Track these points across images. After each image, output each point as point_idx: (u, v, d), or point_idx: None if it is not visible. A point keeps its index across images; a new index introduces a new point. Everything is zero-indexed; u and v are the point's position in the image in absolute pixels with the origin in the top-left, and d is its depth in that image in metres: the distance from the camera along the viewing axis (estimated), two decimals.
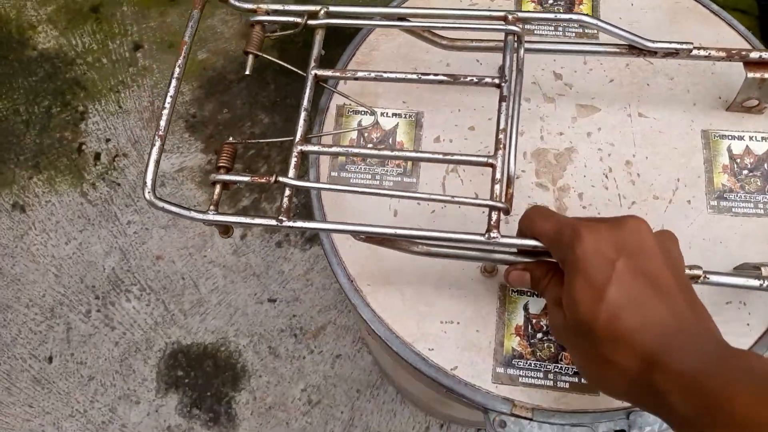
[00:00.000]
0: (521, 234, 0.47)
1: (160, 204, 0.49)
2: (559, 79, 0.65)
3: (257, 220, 0.50)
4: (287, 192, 0.50)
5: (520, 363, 0.55)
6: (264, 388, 1.23)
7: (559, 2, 0.69)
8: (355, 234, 0.50)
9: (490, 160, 0.48)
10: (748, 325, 0.56)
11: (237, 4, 0.59)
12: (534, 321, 0.57)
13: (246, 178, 0.51)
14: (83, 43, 1.56)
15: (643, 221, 0.40)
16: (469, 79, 0.52)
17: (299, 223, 0.49)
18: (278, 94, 1.48)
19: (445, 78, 0.53)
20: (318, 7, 0.56)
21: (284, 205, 0.50)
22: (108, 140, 1.45)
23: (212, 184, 0.51)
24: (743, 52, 0.57)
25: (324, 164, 0.63)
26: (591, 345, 0.37)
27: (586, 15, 0.57)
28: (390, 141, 0.64)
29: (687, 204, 0.60)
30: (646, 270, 0.37)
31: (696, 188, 0.60)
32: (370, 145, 0.64)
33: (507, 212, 0.47)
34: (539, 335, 0.56)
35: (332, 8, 0.57)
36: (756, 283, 0.50)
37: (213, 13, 1.58)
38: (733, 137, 0.62)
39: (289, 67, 0.59)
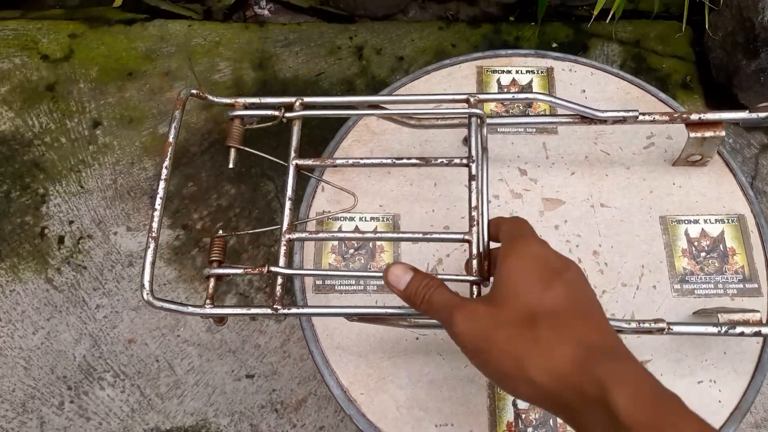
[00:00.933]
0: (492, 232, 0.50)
1: (159, 304, 0.50)
2: (524, 174, 0.69)
3: (253, 310, 0.52)
4: (280, 280, 0.52)
5: None
6: None
7: (518, 104, 0.73)
8: (349, 316, 0.52)
9: (466, 237, 0.51)
10: (719, 402, 0.60)
11: (215, 99, 0.61)
12: (523, 416, 0.59)
13: (239, 271, 0.53)
14: (40, 123, 1.54)
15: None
16: (439, 161, 0.55)
17: (294, 310, 0.52)
18: (243, 164, 1.49)
19: (417, 161, 0.56)
20: (293, 99, 0.59)
21: (278, 294, 0.52)
22: (71, 222, 1.43)
23: (206, 278, 0.53)
24: (684, 115, 0.62)
25: (308, 281, 0.65)
26: (522, 331, 0.36)
27: (540, 93, 0.61)
28: (370, 245, 0.66)
29: (653, 289, 0.64)
30: (588, 295, 0.40)
31: (660, 273, 0.64)
32: (351, 250, 0.66)
33: (485, 285, 0.50)
34: (530, 430, 0.59)
35: (307, 99, 0.59)
36: (714, 330, 0.53)
37: (172, 86, 1.59)
38: (689, 221, 0.66)
39: (271, 158, 0.62)
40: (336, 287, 0.64)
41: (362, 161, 0.58)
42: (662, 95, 0.73)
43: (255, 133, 0.64)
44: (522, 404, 0.59)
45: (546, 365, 0.35)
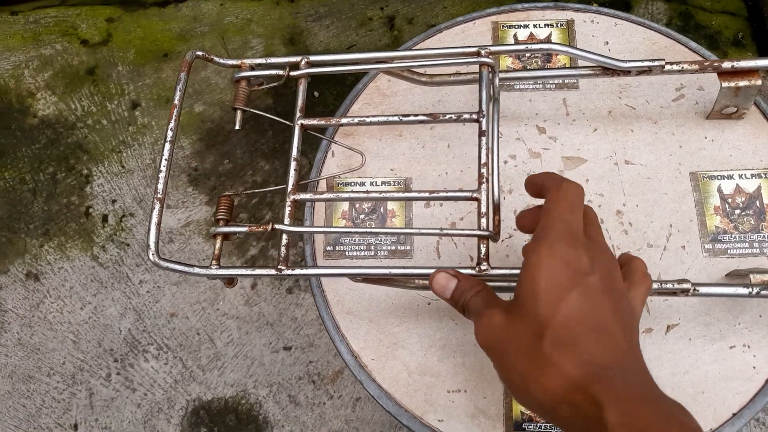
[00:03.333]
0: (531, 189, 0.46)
1: (165, 264, 0.50)
2: (543, 133, 0.65)
3: (257, 271, 0.52)
4: (284, 240, 0.51)
5: (530, 427, 0.56)
6: None
7: (537, 54, 0.69)
8: (353, 276, 0.51)
9: (475, 194, 0.49)
10: (754, 368, 0.56)
11: (221, 61, 0.60)
12: None
13: (244, 229, 0.52)
14: (82, 107, 1.59)
15: (613, 257, 0.42)
16: (448, 117, 0.53)
17: (298, 271, 0.51)
18: (276, 141, 1.49)
19: (425, 118, 0.54)
20: (299, 58, 0.58)
21: (282, 254, 0.51)
22: (114, 201, 1.48)
23: (213, 237, 0.53)
24: (715, 63, 0.57)
25: (319, 242, 0.64)
26: (532, 342, 0.36)
27: (557, 43, 0.58)
28: (381, 210, 0.65)
29: (682, 249, 0.60)
30: (613, 298, 0.38)
31: (689, 233, 0.60)
32: (362, 215, 0.65)
33: (495, 239, 0.48)
34: None
35: (313, 57, 0.58)
36: (745, 291, 0.50)
37: (206, 66, 1.60)
38: (723, 177, 0.62)
39: (276, 118, 0.61)
40: (347, 253, 0.63)
41: (368, 119, 0.56)
42: (693, 44, 0.68)
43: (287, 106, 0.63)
44: None
45: (546, 384, 0.35)
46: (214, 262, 0.52)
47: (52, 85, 1.63)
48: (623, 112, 0.65)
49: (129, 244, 1.43)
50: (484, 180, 0.49)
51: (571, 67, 0.65)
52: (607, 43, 0.69)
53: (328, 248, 0.64)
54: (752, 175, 0.62)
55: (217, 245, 0.53)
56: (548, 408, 0.35)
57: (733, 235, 0.60)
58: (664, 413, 0.32)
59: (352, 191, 0.66)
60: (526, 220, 0.44)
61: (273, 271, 0.51)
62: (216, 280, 1.33)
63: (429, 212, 0.64)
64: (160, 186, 0.53)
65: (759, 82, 0.58)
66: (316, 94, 1.53)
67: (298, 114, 0.57)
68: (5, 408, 1.31)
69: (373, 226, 0.64)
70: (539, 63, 0.69)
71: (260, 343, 1.32)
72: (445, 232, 0.50)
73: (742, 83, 0.58)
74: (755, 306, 0.57)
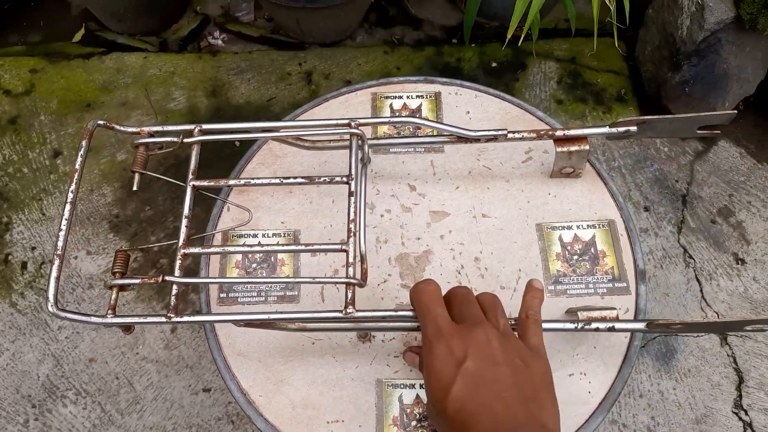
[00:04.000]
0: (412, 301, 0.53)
1: (63, 314, 0.55)
2: (414, 190, 0.75)
3: (149, 319, 0.58)
4: (174, 290, 0.58)
5: None
6: None
7: (408, 126, 0.80)
8: (236, 322, 0.59)
9: (344, 247, 0.57)
10: (589, 392, 0.66)
11: (122, 129, 0.67)
12: (408, 411, 0.65)
13: (137, 281, 0.59)
14: (3, 155, 1.61)
15: (491, 329, 0.47)
16: (322, 179, 0.62)
17: (186, 318, 0.58)
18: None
19: (303, 180, 0.62)
20: (193, 126, 0.65)
21: (172, 303, 0.58)
22: (33, 248, 1.49)
23: (109, 288, 0.59)
24: (550, 132, 0.68)
25: (213, 290, 0.71)
26: (447, 429, 0.43)
27: (417, 117, 0.68)
28: (272, 259, 0.73)
29: None
30: (493, 377, 0.43)
31: (535, 276, 0.71)
32: (254, 264, 0.73)
33: (361, 286, 0.56)
34: (414, 423, 0.65)
35: (205, 126, 0.66)
36: (572, 326, 0.60)
37: (129, 116, 1.65)
38: (563, 227, 0.73)
39: (170, 180, 0.68)
40: (239, 299, 0.70)
41: (253, 181, 0.64)
42: (539, 113, 0.80)
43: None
44: (407, 400, 0.65)
45: None
46: (110, 311, 0.59)
47: None
48: (481, 172, 0.76)
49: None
50: (352, 234, 0.58)
51: (435, 135, 0.75)
52: (468, 112, 0.80)
53: (222, 295, 0.71)
54: (588, 226, 0.73)
55: (113, 296, 0.59)
56: None
57: (571, 278, 0.71)
58: None
59: (245, 243, 0.73)
60: (410, 357, 0.56)
61: (163, 319, 0.58)
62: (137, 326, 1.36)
63: (315, 260, 0.73)
64: (60, 243, 0.59)
65: (587, 147, 0.70)
66: (237, 144, 1.60)
67: (190, 176, 0.65)
68: None
69: (264, 274, 0.72)
70: (411, 130, 0.79)
71: (180, 385, 1.35)
72: (317, 280, 0.58)
73: (573, 148, 0.70)
74: (590, 339, 0.68)
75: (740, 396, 1.30)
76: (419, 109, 0.80)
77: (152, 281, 0.59)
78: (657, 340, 1.36)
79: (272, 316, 0.57)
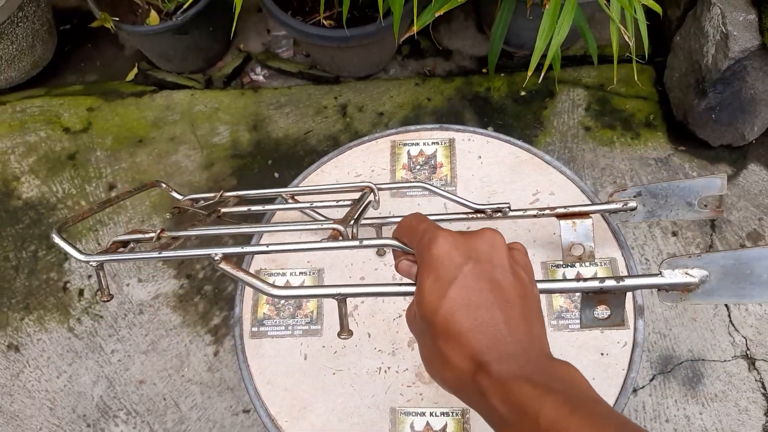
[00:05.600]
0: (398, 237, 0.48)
1: (57, 240, 0.61)
2: None
3: (141, 251, 0.65)
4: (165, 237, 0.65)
5: None
6: None
7: (425, 167, 0.86)
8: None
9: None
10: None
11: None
12: None
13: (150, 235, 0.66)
14: (63, 189, 1.75)
15: (498, 234, 0.42)
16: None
17: (174, 232, 0.65)
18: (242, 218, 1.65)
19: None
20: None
21: (103, 286, 0.65)
22: (90, 276, 1.61)
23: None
24: (552, 208, 0.73)
25: (246, 322, 0.79)
26: (431, 339, 0.40)
27: (428, 183, 0.74)
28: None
29: None
30: (491, 277, 0.39)
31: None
32: (282, 301, 0.80)
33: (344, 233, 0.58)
34: None
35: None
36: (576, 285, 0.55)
37: (177, 150, 1.77)
38: (567, 265, 0.78)
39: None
40: (268, 333, 0.78)
41: (270, 247, 0.72)
42: (547, 157, 0.85)
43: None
44: (418, 427, 0.71)
45: (444, 375, 0.40)
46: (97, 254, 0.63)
47: (36, 169, 1.79)
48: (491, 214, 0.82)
49: (102, 316, 1.56)
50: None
51: (447, 214, 0.81)
52: (480, 157, 0.86)
53: (254, 329, 0.78)
54: (591, 264, 0.78)
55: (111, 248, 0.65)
56: (455, 395, 0.40)
57: (573, 313, 0.75)
58: (540, 389, 0.34)
59: (275, 281, 0.81)
60: (405, 266, 0.47)
61: (151, 234, 0.64)
62: (183, 349, 1.46)
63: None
64: None
65: (589, 220, 0.73)
66: (276, 175, 1.70)
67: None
68: None
69: (291, 309, 0.79)
70: (426, 174, 0.85)
71: (221, 406, 1.44)
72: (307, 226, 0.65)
73: (578, 221, 0.74)
74: (590, 369, 0.72)
75: None
76: (434, 155, 0.86)
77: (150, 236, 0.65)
78: (684, 365, 1.37)
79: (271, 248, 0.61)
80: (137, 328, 1.54)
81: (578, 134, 1.67)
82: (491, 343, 0.38)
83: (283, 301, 0.80)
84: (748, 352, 1.38)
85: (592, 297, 0.45)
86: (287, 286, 0.49)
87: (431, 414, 0.72)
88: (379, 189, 0.69)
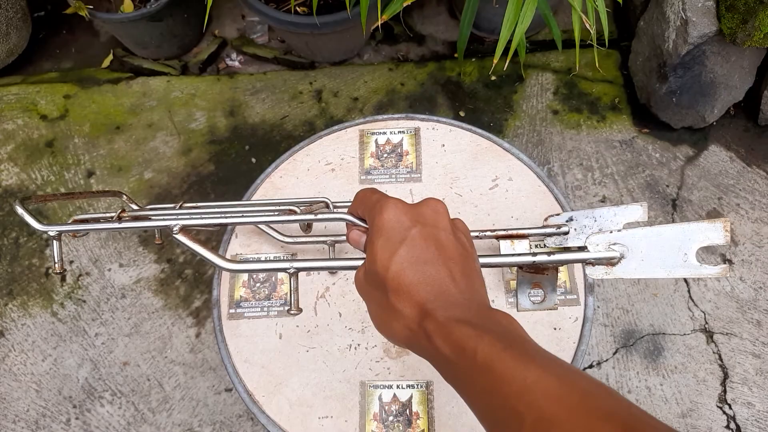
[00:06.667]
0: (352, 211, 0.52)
1: (20, 211, 0.62)
2: None
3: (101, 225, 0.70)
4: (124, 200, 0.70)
5: None
6: None
7: (391, 155, 0.91)
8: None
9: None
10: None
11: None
12: (386, 407, 0.77)
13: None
14: (42, 176, 1.77)
15: (441, 202, 0.47)
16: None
17: (132, 224, 0.69)
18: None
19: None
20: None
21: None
22: (71, 262, 1.65)
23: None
24: (494, 231, 0.78)
25: (224, 304, 0.83)
26: (382, 294, 0.43)
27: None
28: (273, 279, 0.84)
29: (492, 303, 0.81)
30: (436, 238, 0.43)
31: (498, 290, 0.81)
32: (258, 284, 0.85)
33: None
34: (390, 418, 0.76)
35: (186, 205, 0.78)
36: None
37: (155, 136, 1.80)
38: None
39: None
40: (245, 314, 0.83)
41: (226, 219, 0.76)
42: (505, 144, 0.90)
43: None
44: (386, 398, 0.77)
45: (395, 328, 0.43)
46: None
47: (14, 157, 1.80)
48: (453, 198, 0.87)
49: (85, 300, 1.59)
50: None
51: (414, 171, 0.86)
52: (444, 145, 0.91)
53: (231, 311, 0.83)
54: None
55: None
56: (404, 345, 0.43)
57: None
58: (478, 330, 0.37)
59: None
60: (355, 235, 0.51)
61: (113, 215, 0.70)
62: (166, 332, 1.50)
63: (309, 279, 0.84)
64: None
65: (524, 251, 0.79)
66: (253, 160, 1.73)
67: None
68: None
69: (267, 292, 0.84)
70: (393, 161, 0.90)
71: (204, 386, 1.49)
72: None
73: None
74: (542, 344, 0.78)
75: (725, 391, 1.38)
76: (401, 143, 0.91)
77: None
78: (645, 338, 1.45)
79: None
80: (120, 312, 1.58)
81: (546, 118, 1.73)
82: (437, 294, 0.41)
83: (258, 285, 0.84)
84: (706, 326, 1.46)
85: (527, 278, 0.51)
86: (240, 261, 0.53)
87: (398, 386, 0.77)
88: (334, 206, 0.73)
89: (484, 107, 1.75)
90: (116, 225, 0.62)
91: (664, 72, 1.56)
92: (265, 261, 0.53)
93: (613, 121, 1.72)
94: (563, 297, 0.80)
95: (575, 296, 0.80)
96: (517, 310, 0.53)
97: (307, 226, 0.82)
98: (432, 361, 0.41)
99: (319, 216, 0.55)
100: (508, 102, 1.76)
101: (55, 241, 0.64)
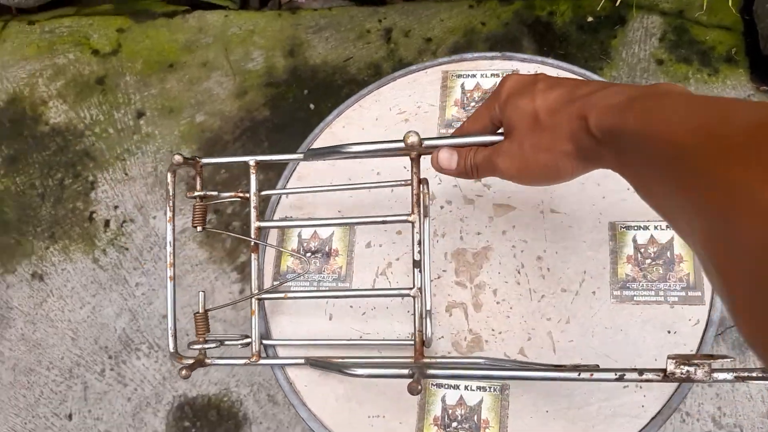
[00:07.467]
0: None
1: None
2: (478, 180, 0.71)
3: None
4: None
5: None
6: None
7: (479, 103, 0.74)
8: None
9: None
10: (642, 406, 0.61)
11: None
12: (450, 411, 0.63)
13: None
14: (91, 115, 1.67)
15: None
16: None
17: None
18: (272, 151, 1.56)
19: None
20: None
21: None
22: (116, 207, 1.56)
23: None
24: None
25: (267, 275, 0.70)
26: (538, 129, 0.45)
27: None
28: (326, 249, 0.71)
29: (592, 295, 0.65)
30: (560, 79, 0.46)
31: (601, 279, 0.65)
32: (308, 254, 0.71)
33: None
34: (454, 424, 0.62)
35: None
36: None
37: (209, 76, 1.67)
38: (639, 227, 0.67)
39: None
40: (291, 288, 0.69)
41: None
42: None
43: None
44: (450, 401, 0.63)
45: (559, 148, 0.44)
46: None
47: (64, 93, 1.71)
48: None
49: (128, 248, 1.51)
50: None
51: None
52: None
53: (275, 282, 0.70)
54: (667, 227, 0.66)
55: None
56: (577, 163, 0.44)
57: (640, 283, 0.65)
58: (628, 105, 0.38)
59: (301, 233, 0.72)
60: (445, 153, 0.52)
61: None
62: (207, 285, 1.40)
63: (369, 252, 0.70)
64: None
65: None
66: (312, 106, 1.59)
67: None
68: (7, 397, 1.41)
69: (318, 264, 0.70)
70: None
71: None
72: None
73: None
74: (652, 348, 0.62)
75: None
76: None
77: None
78: (734, 328, 1.26)
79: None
80: (162, 263, 1.49)
81: (649, 68, 1.50)
82: (587, 97, 0.42)
83: (308, 254, 0.71)
84: None
85: None
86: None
87: (466, 387, 0.63)
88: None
89: (576, 53, 1.54)
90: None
91: None
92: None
93: (728, 75, 1.48)
94: (684, 294, 0.64)
95: (699, 293, 0.63)
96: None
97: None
98: (596, 158, 0.42)
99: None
100: (605, 48, 1.54)
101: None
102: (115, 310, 1.45)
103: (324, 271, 0.70)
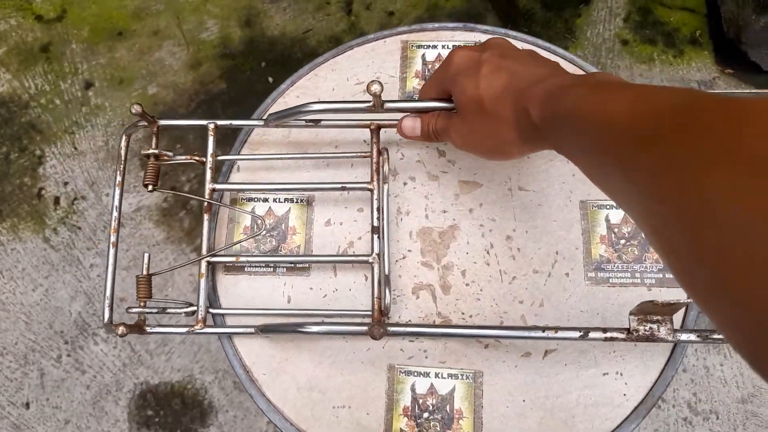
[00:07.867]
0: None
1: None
2: (443, 156, 0.67)
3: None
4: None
5: None
6: (231, 422, 1.27)
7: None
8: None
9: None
10: (624, 395, 0.59)
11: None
12: (421, 401, 0.60)
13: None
14: (36, 85, 1.58)
15: (502, 38, 0.53)
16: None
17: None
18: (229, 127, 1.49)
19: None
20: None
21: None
22: (66, 183, 1.48)
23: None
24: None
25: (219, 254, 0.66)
26: (483, 115, 0.48)
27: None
28: (282, 227, 0.66)
29: (565, 276, 0.62)
30: (505, 54, 0.49)
31: (574, 260, 0.63)
32: (263, 231, 0.67)
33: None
34: (426, 414, 0.59)
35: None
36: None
37: (161, 46, 1.59)
38: (611, 206, 0.64)
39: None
40: (245, 269, 0.65)
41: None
42: (590, 68, 0.69)
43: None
44: (420, 389, 0.60)
45: (504, 133, 0.48)
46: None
47: (6, 61, 1.61)
48: None
49: (80, 227, 1.44)
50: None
51: None
52: None
53: (228, 264, 0.65)
54: None
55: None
56: (520, 145, 0.48)
57: (616, 264, 0.62)
58: (565, 95, 0.41)
59: (254, 208, 0.67)
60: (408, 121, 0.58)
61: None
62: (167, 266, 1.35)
63: (329, 230, 0.66)
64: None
65: None
66: (270, 79, 1.53)
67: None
68: None
69: (274, 243, 0.66)
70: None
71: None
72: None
73: None
74: None
75: None
76: None
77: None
78: None
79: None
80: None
81: (614, 48, 1.48)
82: (527, 83, 0.45)
83: (264, 232, 0.66)
84: None
85: None
86: None
87: (437, 375, 0.60)
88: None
89: (540, 31, 1.51)
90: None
91: (765, 2, 1.31)
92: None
93: (692, 58, 1.47)
94: (661, 276, 0.62)
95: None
96: None
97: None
98: (555, 145, 0.44)
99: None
100: (570, 27, 1.51)
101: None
102: (69, 293, 1.39)
103: (281, 250, 0.65)
